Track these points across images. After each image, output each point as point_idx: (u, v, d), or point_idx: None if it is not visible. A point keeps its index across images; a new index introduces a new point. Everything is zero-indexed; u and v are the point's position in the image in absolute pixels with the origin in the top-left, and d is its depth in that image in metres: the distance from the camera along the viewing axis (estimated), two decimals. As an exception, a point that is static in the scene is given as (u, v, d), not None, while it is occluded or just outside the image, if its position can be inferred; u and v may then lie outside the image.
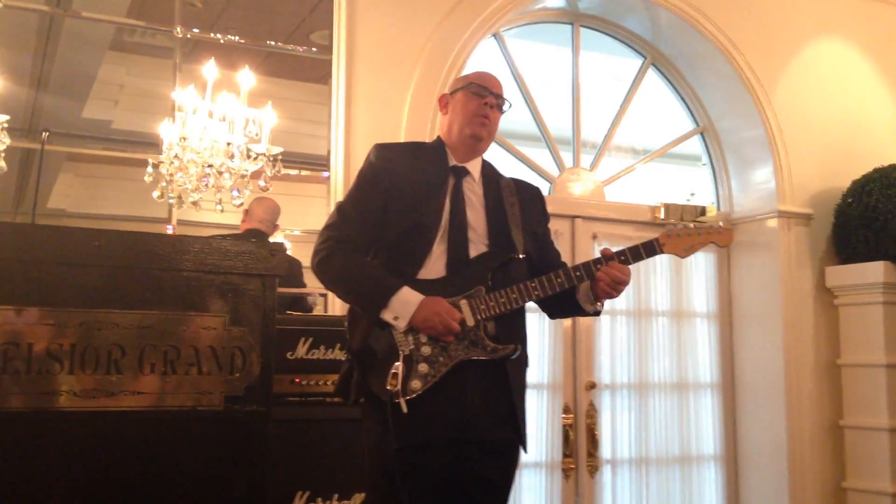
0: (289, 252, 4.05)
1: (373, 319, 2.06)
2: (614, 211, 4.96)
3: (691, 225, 2.30)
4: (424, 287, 2.08)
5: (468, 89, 2.26)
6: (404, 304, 2.03)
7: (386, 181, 2.19)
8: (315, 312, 3.88)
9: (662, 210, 4.98)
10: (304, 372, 2.98)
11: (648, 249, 2.23)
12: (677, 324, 5.00)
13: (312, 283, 3.98)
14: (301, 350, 3.01)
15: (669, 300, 4.99)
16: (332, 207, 4.24)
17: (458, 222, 2.16)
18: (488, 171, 2.34)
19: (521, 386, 2.21)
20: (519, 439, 2.16)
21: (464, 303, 2.09)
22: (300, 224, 4.17)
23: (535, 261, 2.28)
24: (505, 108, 2.29)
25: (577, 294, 2.24)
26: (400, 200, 2.17)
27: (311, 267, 2.18)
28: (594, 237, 4.87)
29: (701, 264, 5.12)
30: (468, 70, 4.21)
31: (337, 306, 3.76)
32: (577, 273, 2.19)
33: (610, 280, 2.17)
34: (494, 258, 2.15)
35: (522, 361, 2.21)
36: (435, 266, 2.13)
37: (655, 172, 5.28)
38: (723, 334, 5.14)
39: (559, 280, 2.16)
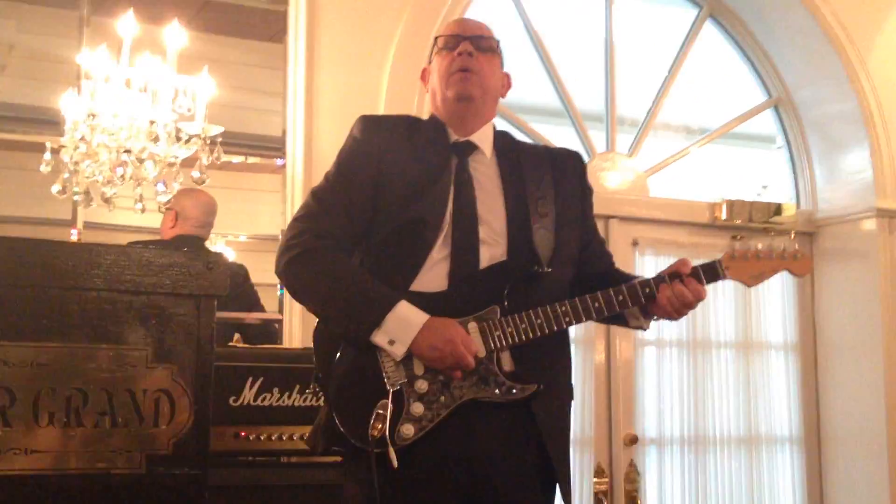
0: (233, 262, 4.06)
1: (359, 342, 2.06)
2: (661, 209, 4.98)
3: (759, 246, 2.34)
4: (419, 303, 2.08)
5: (437, 48, 2.32)
6: (404, 324, 2.02)
7: (375, 163, 2.20)
8: (267, 344, 3.86)
9: (725, 208, 4.99)
10: (253, 423, 2.96)
11: (710, 273, 2.25)
12: (745, 358, 5.01)
13: (265, 305, 3.99)
14: (248, 394, 3.00)
15: (735, 327, 5.01)
16: (290, 203, 4.36)
17: (465, 217, 2.18)
18: (503, 143, 2.36)
19: (561, 429, 2.21)
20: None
21: (473, 326, 2.10)
22: (247, 227, 4.17)
23: (579, 257, 2.31)
24: (495, 47, 2.33)
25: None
26: (392, 189, 2.17)
27: (276, 268, 2.17)
28: (635, 244, 4.89)
29: (775, 280, 5.11)
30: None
31: (296, 336, 3.76)
32: (620, 297, 2.20)
33: (679, 303, 2.20)
34: (513, 270, 2.15)
35: (560, 394, 2.23)
36: (433, 276, 2.12)
37: (715, 158, 5.31)
38: (805, 371, 5.16)
39: (597, 305, 2.18)
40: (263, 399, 3.00)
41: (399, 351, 2.06)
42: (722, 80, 5.32)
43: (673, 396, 4.84)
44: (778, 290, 5.15)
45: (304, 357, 3.03)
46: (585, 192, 2.42)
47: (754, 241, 2.41)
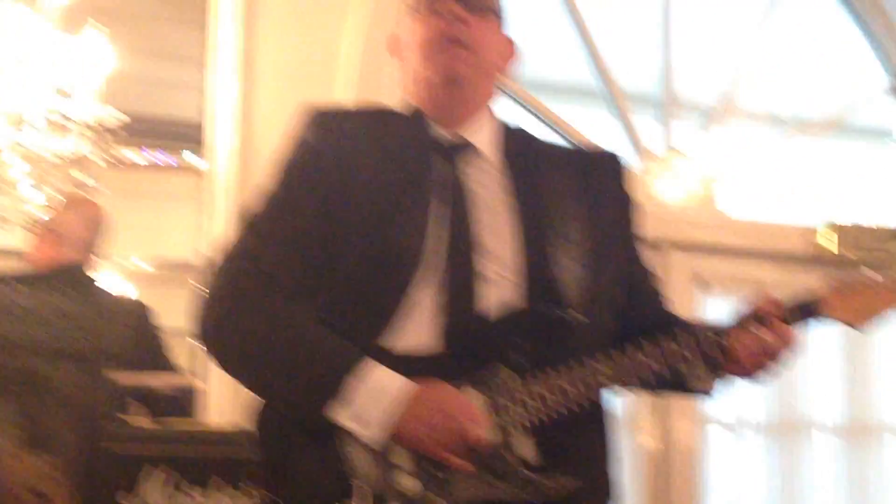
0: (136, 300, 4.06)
1: (312, 423, 2.06)
2: (738, 234, 5.00)
3: (873, 275, 2.35)
4: (398, 364, 2.08)
5: (413, 10, 2.34)
6: (376, 394, 2.01)
7: (332, 177, 2.21)
8: (181, 421, 3.88)
9: (828, 234, 5.01)
10: (159, 536, 2.97)
11: (803, 311, 2.26)
12: (854, 447, 5.03)
13: (177, 360, 3.99)
14: (153, 494, 2.99)
15: (841, 402, 5.03)
16: (221, 220, 4.24)
17: (458, 245, 2.20)
18: (512, 138, 2.40)
19: None
20: None
21: (474, 395, 2.11)
22: (153, 249, 4.17)
23: (622, 305, 2.31)
24: (494, 5, 2.35)
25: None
26: (357, 211, 2.19)
27: (195, 328, 2.17)
28: (698, 281, 4.91)
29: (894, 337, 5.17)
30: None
31: (223, 406, 3.77)
32: (682, 350, 2.20)
33: (759, 353, 2.21)
34: (532, 320, 2.16)
35: (600, 493, 2.23)
36: (419, 329, 2.11)
37: (815, 162, 5.34)
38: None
39: (646, 361, 2.18)
40: (169, 497, 2.99)
41: (372, 434, 2.04)
42: (823, 54, 5.36)
43: (752, 498, 4.84)
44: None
45: (235, 440, 3.03)
46: (628, 208, 2.44)
47: (864, 272, 2.43)
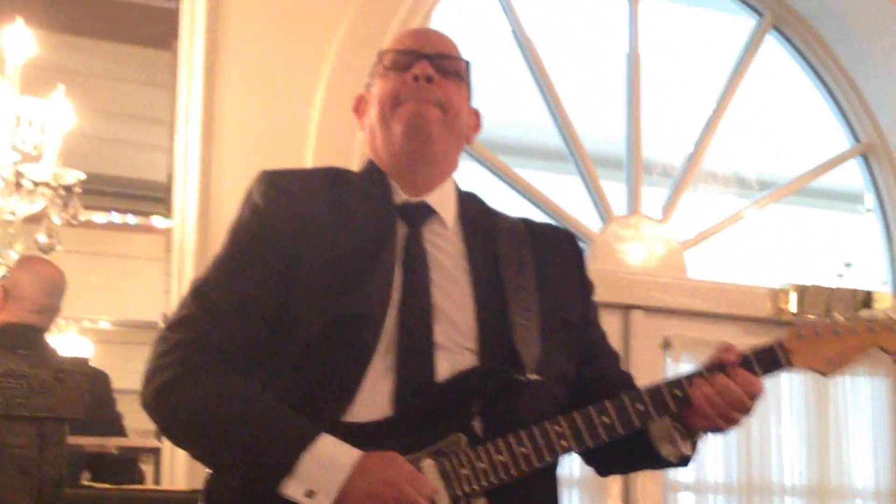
0: (91, 365, 4.02)
1: (262, 495, 2.04)
2: (703, 297, 5.00)
3: (840, 318, 2.31)
4: (354, 436, 2.06)
5: (382, 67, 2.31)
6: (326, 466, 1.98)
7: (284, 241, 2.18)
8: (126, 484, 3.78)
9: (793, 297, 5.03)
10: None
11: (766, 360, 2.23)
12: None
13: (140, 424, 3.95)
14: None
15: (806, 466, 5.01)
16: (181, 287, 4.26)
17: (416, 310, 2.18)
18: (470, 207, 2.37)
19: None
20: None
21: (429, 465, 2.08)
22: (115, 309, 4.15)
23: (577, 376, 2.28)
24: (463, 73, 2.33)
25: (648, 430, 2.23)
26: (312, 276, 2.16)
27: (142, 400, 2.14)
28: (666, 346, 4.91)
29: (864, 392, 5.17)
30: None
31: (180, 471, 3.75)
32: (639, 405, 2.18)
33: (724, 403, 2.17)
34: (485, 380, 2.14)
35: None
36: (372, 397, 2.09)
37: (780, 225, 5.35)
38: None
39: (606, 420, 2.16)
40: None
41: None
42: (791, 118, 5.40)
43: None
44: (867, 414, 5.17)
45: (195, 502, 3.01)
46: (586, 289, 2.42)
47: (831, 317, 2.38)
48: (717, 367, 2.20)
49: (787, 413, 5.01)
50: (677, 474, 4.86)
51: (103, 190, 3.96)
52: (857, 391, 5.17)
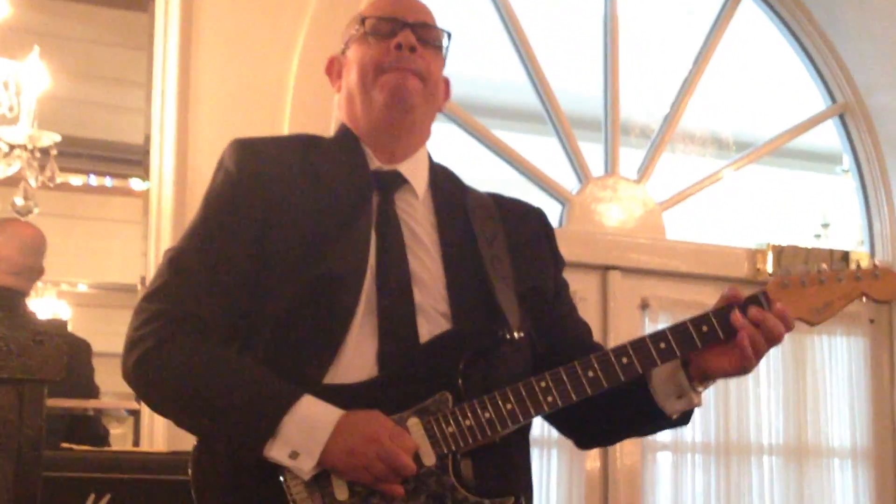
0: (71, 330, 4.02)
1: (247, 459, 2.04)
2: (681, 258, 5.01)
3: (824, 266, 2.29)
4: (339, 397, 2.07)
5: (362, 32, 2.30)
6: (309, 427, 1.98)
7: (258, 206, 2.18)
8: (118, 447, 3.86)
9: (770, 257, 5.05)
10: (97, 564, 2.95)
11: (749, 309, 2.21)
12: (798, 469, 5.05)
13: (119, 387, 3.95)
14: (90, 519, 2.98)
15: (784, 425, 5.04)
16: (159, 249, 4.10)
17: (394, 274, 2.18)
18: (442, 179, 2.38)
19: None
20: None
21: (414, 423, 2.08)
22: (93, 272, 4.14)
23: (544, 343, 2.28)
24: (443, 42, 2.32)
25: (649, 383, 2.21)
26: (287, 241, 2.15)
27: (123, 370, 2.14)
28: (644, 306, 4.93)
29: (841, 352, 5.19)
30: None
31: (158, 434, 3.76)
32: (662, 344, 2.17)
33: (761, 332, 2.14)
34: (468, 340, 2.15)
35: None
36: (356, 358, 2.08)
37: (757, 186, 5.37)
38: (881, 488, 5.18)
39: (624, 361, 2.15)
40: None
41: (306, 465, 2.03)
42: (768, 79, 5.40)
43: (696, 521, 4.85)
44: (844, 374, 5.20)
45: (174, 465, 3.01)
46: (557, 263, 2.42)
47: (814, 265, 2.35)
48: (756, 300, 2.17)
49: (764, 373, 5.03)
50: (655, 434, 4.88)
51: (80, 153, 3.94)
52: (834, 351, 5.20)
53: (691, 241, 5.12)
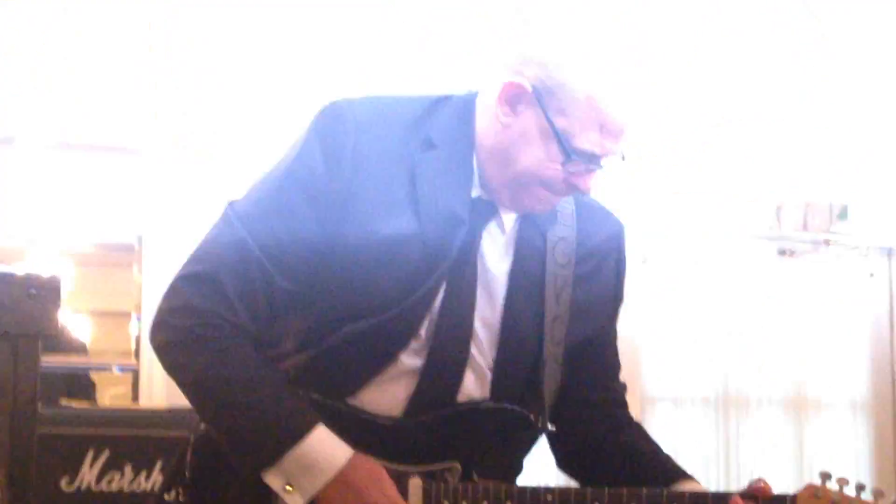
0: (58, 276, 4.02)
1: (245, 472, 2.02)
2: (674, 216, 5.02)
3: (855, 498, 2.27)
4: (356, 421, 2.02)
5: (555, 129, 2.06)
6: (309, 465, 1.92)
7: (336, 212, 2.05)
8: (114, 404, 3.92)
9: (778, 213, 5.03)
10: (94, 516, 2.98)
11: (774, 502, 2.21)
12: (797, 420, 5.11)
13: (118, 345, 3.96)
14: (88, 474, 2.97)
15: (783, 378, 5.09)
16: (161, 203, 4.36)
17: (454, 333, 2.12)
18: (531, 214, 2.19)
19: None
20: None
21: (416, 484, 2.05)
22: (96, 230, 4.16)
23: (567, 387, 2.23)
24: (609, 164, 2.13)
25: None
26: (355, 253, 2.05)
27: (152, 341, 2.07)
28: (643, 262, 4.95)
29: (842, 316, 5.21)
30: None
31: (157, 390, 3.79)
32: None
33: None
34: (501, 420, 2.11)
35: None
36: (388, 390, 2.02)
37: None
38: (880, 437, 5.23)
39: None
40: (110, 481, 2.99)
41: (294, 500, 2.04)
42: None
43: (695, 472, 4.89)
44: (844, 328, 5.23)
45: (169, 421, 3.02)
46: (616, 304, 2.33)
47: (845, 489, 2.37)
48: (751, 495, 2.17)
49: (766, 332, 5.09)
50: (654, 387, 4.90)
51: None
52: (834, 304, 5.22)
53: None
